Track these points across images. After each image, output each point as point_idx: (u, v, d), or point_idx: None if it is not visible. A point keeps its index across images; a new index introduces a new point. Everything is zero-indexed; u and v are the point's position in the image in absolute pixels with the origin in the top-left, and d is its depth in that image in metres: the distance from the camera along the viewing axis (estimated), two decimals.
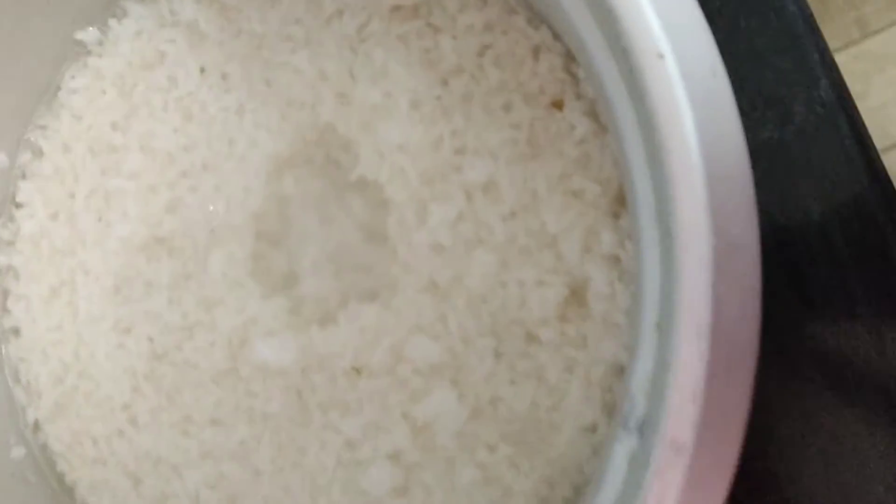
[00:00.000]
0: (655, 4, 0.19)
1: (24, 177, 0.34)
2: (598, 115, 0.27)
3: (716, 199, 0.18)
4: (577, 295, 0.27)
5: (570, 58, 0.28)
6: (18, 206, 0.34)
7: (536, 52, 0.28)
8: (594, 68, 0.22)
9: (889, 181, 0.33)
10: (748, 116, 0.35)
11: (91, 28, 0.33)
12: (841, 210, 0.34)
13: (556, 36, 0.28)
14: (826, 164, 0.34)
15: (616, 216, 0.27)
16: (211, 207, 0.32)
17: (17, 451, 0.33)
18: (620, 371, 0.27)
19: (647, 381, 0.20)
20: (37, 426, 0.34)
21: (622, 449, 0.21)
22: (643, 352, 0.20)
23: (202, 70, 0.32)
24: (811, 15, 0.35)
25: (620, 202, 0.27)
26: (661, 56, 0.19)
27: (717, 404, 0.18)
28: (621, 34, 0.19)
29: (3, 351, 0.34)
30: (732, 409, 0.18)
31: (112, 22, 0.33)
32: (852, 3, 0.97)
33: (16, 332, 0.34)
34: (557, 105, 0.28)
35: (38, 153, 0.34)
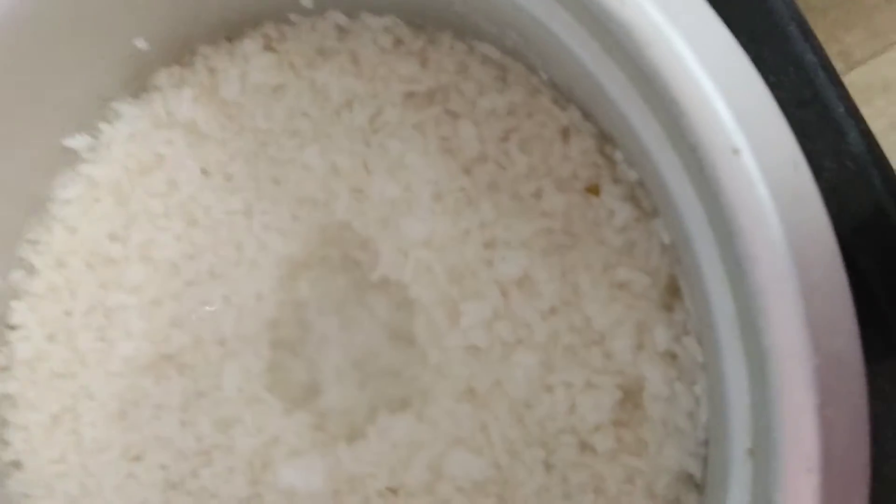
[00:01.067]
0: (724, 92, 0.17)
1: (16, 296, 0.31)
2: (639, 200, 0.25)
3: (813, 310, 0.16)
4: (631, 397, 0.25)
5: (603, 139, 0.26)
6: (12, 328, 0.31)
7: (566, 134, 0.27)
8: (648, 160, 0.19)
9: None
10: None
11: (80, 134, 0.31)
12: (882, 267, 0.32)
13: (587, 116, 0.26)
14: (861, 222, 0.32)
15: (669, 309, 0.25)
16: (221, 318, 0.30)
17: None
18: (688, 480, 0.24)
19: None
20: None
21: None
22: (735, 482, 0.18)
23: (204, 171, 0.30)
24: (831, 64, 0.34)
25: (672, 293, 0.25)
26: (736, 151, 0.16)
27: None
28: (688, 128, 0.17)
29: (4, 486, 0.31)
30: None
31: (104, 126, 0.31)
32: (834, 36, 0.96)
33: (17, 465, 0.31)
34: (593, 190, 0.26)
35: (31, 270, 0.31)
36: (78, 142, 0.31)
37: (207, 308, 0.30)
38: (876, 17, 0.99)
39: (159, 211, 0.30)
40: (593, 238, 0.26)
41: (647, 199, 0.25)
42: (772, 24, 0.33)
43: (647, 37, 0.17)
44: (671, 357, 0.24)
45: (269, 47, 0.30)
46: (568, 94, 0.26)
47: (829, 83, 0.33)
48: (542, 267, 0.26)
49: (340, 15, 0.28)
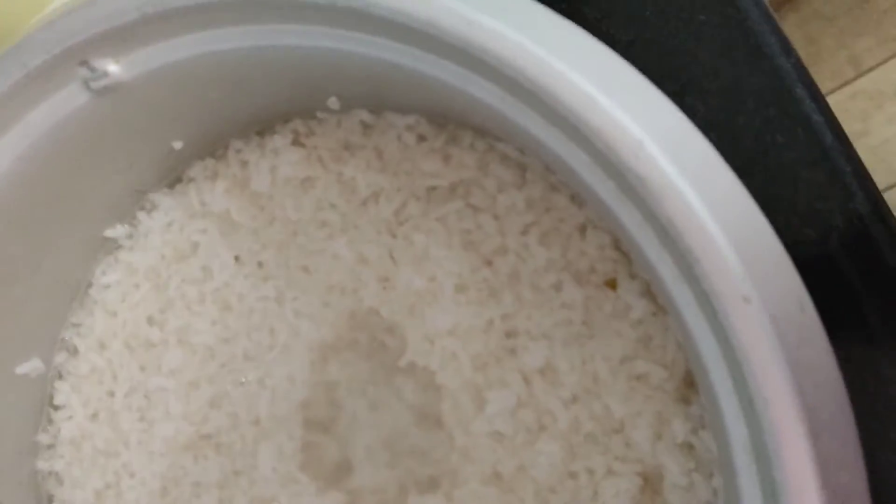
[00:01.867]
0: (735, 242, 0.18)
1: (60, 377, 0.33)
2: (655, 296, 0.27)
3: (822, 450, 0.17)
4: (651, 484, 0.26)
5: (618, 236, 0.27)
6: (56, 408, 0.33)
7: (583, 230, 0.28)
8: (663, 288, 0.21)
9: None
10: (783, 235, 0.34)
11: (120, 224, 0.32)
12: (891, 323, 0.33)
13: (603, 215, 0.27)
14: (869, 277, 0.33)
15: (686, 402, 0.26)
16: (256, 400, 0.31)
17: None
18: None
19: None
20: None
21: None
22: None
23: (237, 259, 0.31)
24: (839, 125, 0.35)
25: (689, 386, 0.26)
26: (747, 300, 0.18)
27: None
28: (702, 276, 0.18)
29: None
30: None
31: (141, 215, 0.32)
32: (843, 42, 0.97)
33: None
34: (611, 284, 0.27)
35: (74, 352, 0.33)
36: (118, 231, 0.32)
37: (242, 389, 0.31)
38: (885, 24, 0.99)
39: (195, 297, 0.32)
40: (611, 330, 0.27)
41: (663, 298, 0.26)
42: (780, 86, 0.34)
43: (662, 190, 0.18)
44: (689, 448, 0.26)
45: (297, 142, 0.31)
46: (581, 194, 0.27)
47: (837, 144, 0.34)
48: (563, 357, 0.27)
49: (365, 113, 0.30)
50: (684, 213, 0.18)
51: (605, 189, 0.21)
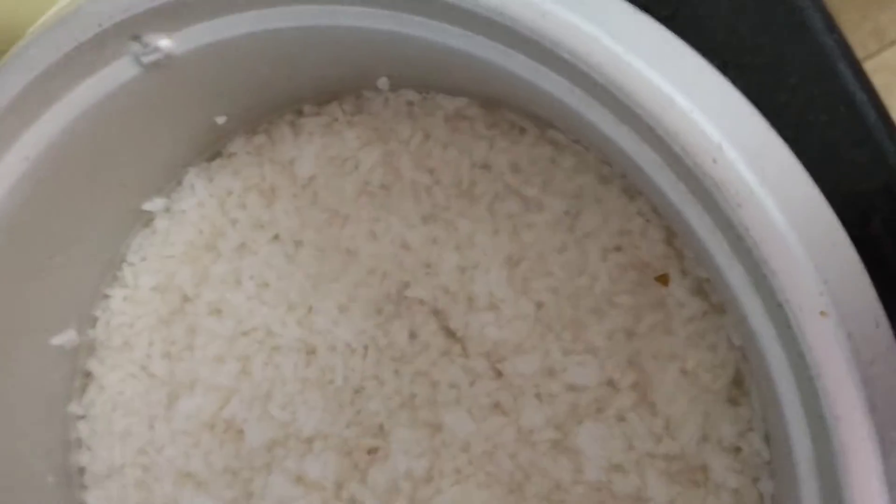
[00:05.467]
0: (814, 255, 0.17)
1: (93, 350, 0.33)
2: (707, 294, 0.26)
3: (892, 469, 0.17)
4: (697, 485, 0.26)
5: (671, 232, 0.27)
6: (89, 380, 0.33)
7: (633, 222, 0.27)
8: (729, 293, 0.20)
9: None
10: None
11: (158, 198, 0.32)
12: None
13: (655, 209, 0.27)
14: None
15: (735, 403, 0.26)
16: (291, 381, 0.31)
17: None
18: None
19: None
20: None
21: None
22: None
23: (276, 237, 0.31)
24: (882, 104, 0.34)
25: (738, 387, 0.26)
26: (823, 313, 0.17)
27: None
28: (777, 287, 0.18)
29: None
30: None
31: (179, 189, 0.32)
32: (867, 14, 0.95)
33: None
34: (662, 280, 0.27)
35: (107, 325, 0.33)
36: (155, 205, 0.32)
37: (272, 370, 0.31)
38: None
39: (230, 273, 0.31)
40: (662, 327, 0.26)
41: (715, 295, 0.26)
42: (823, 63, 0.33)
43: (740, 197, 0.18)
44: (735, 450, 0.25)
45: (343, 121, 0.30)
46: (639, 188, 0.27)
47: (880, 123, 0.33)
48: (608, 355, 0.27)
49: (413, 93, 0.29)
50: (762, 222, 0.18)
51: (675, 192, 0.20)
